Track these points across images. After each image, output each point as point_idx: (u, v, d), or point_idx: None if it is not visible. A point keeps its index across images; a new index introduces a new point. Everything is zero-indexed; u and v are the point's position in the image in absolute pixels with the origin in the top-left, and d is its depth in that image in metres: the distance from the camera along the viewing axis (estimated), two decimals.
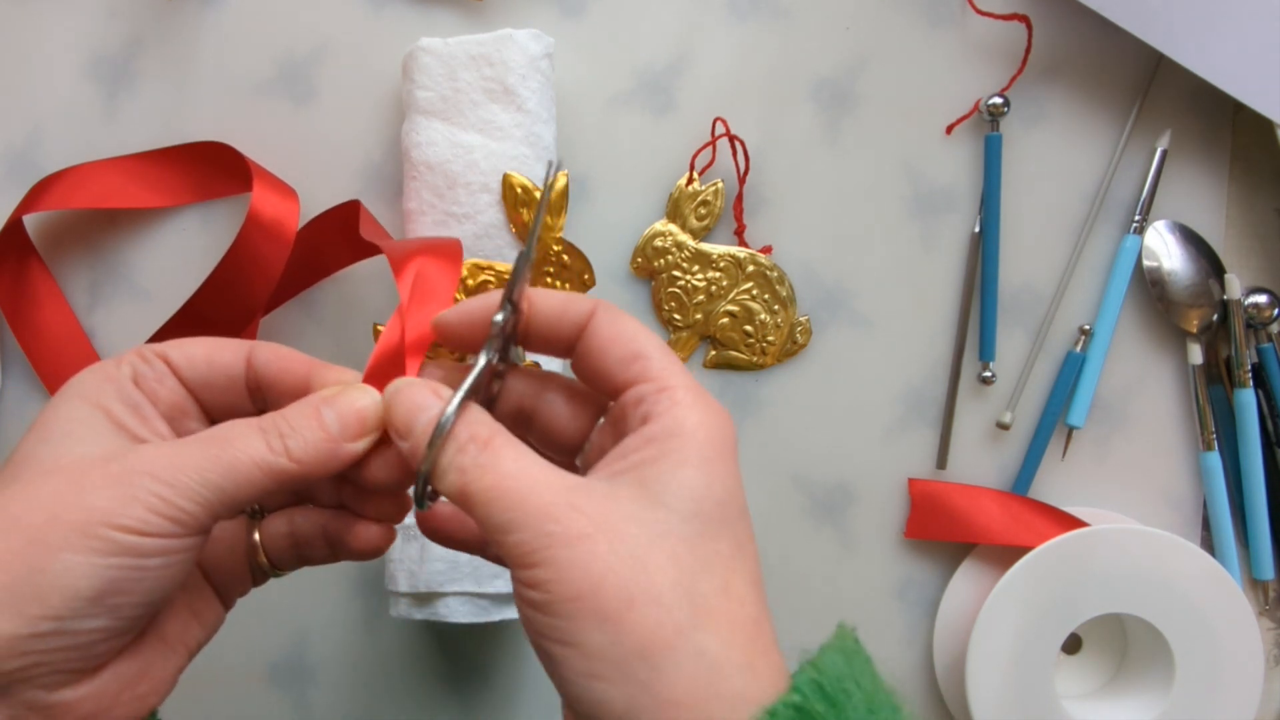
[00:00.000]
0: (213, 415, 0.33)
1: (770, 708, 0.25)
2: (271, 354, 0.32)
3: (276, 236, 0.48)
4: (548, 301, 0.31)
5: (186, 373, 0.32)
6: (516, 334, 0.32)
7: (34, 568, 0.26)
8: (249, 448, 0.29)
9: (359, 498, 0.34)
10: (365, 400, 0.31)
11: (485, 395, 0.32)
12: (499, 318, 0.30)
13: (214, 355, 0.32)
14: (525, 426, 0.34)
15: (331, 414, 0.30)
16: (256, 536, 0.34)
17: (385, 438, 0.31)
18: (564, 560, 0.26)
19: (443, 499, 0.30)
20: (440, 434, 0.28)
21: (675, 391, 0.29)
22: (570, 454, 0.33)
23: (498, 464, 0.28)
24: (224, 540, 0.34)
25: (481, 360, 0.30)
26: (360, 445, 0.31)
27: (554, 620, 0.26)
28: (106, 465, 0.28)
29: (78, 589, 0.26)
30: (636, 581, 0.26)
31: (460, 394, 0.29)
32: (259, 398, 0.33)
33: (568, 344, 0.32)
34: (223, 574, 0.34)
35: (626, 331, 0.31)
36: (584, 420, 0.33)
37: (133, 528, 0.27)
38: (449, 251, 0.37)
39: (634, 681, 0.25)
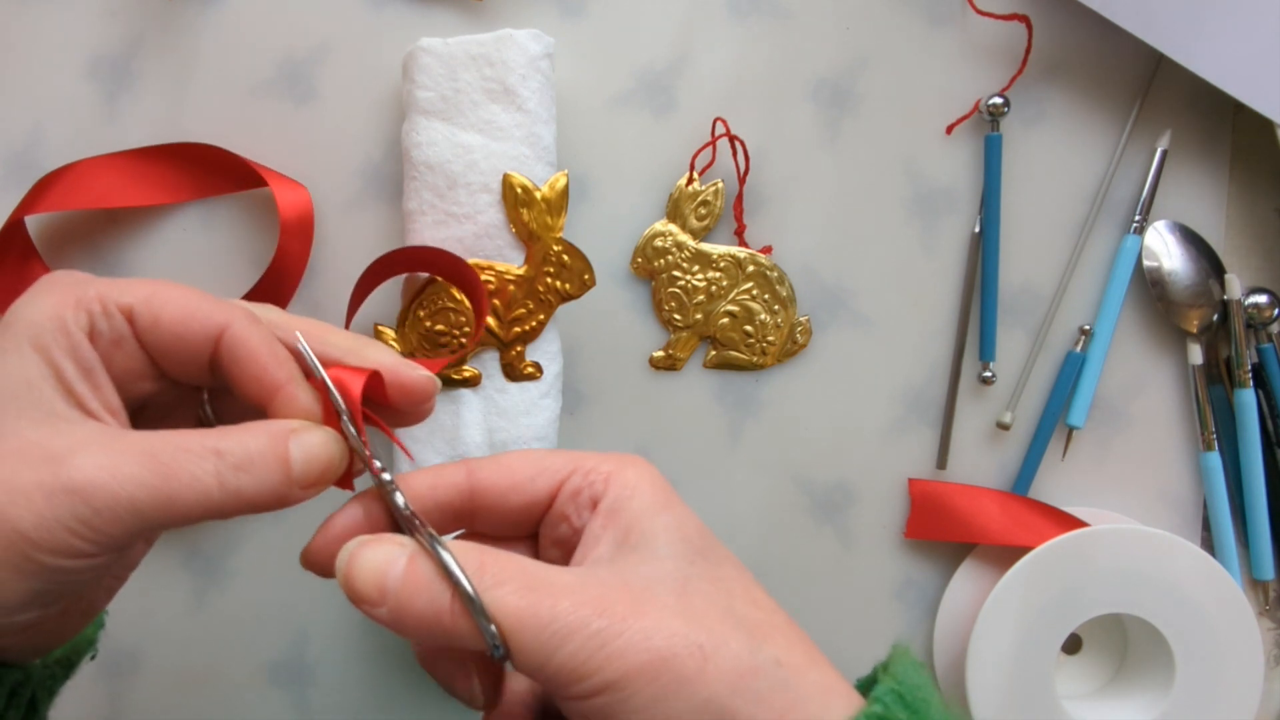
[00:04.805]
0: (169, 375, 0.31)
1: (855, 718, 0.26)
2: (244, 350, 0.29)
3: (301, 234, 0.50)
4: (418, 484, 0.30)
5: (148, 337, 0.29)
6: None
7: None
8: (195, 483, 0.27)
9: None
10: (334, 449, 0.29)
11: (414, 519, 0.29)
12: (399, 500, 0.29)
13: (183, 328, 0.29)
14: (469, 518, 0.32)
15: (299, 458, 0.28)
16: (209, 410, 0.33)
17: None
18: (623, 651, 0.25)
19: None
20: (467, 598, 0.26)
21: (602, 465, 0.30)
22: (524, 534, 0.32)
23: (511, 589, 0.26)
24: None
25: (386, 475, 0.29)
26: (310, 494, 0.29)
27: (642, 711, 0.25)
28: (40, 470, 0.26)
29: (4, 600, 0.26)
30: (694, 632, 0.26)
31: (444, 551, 0.27)
32: (220, 376, 0.30)
33: (460, 511, 0.31)
34: None
35: (514, 459, 0.31)
36: (523, 506, 0.31)
37: (55, 550, 0.26)
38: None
39: (742, 716, 0.26)
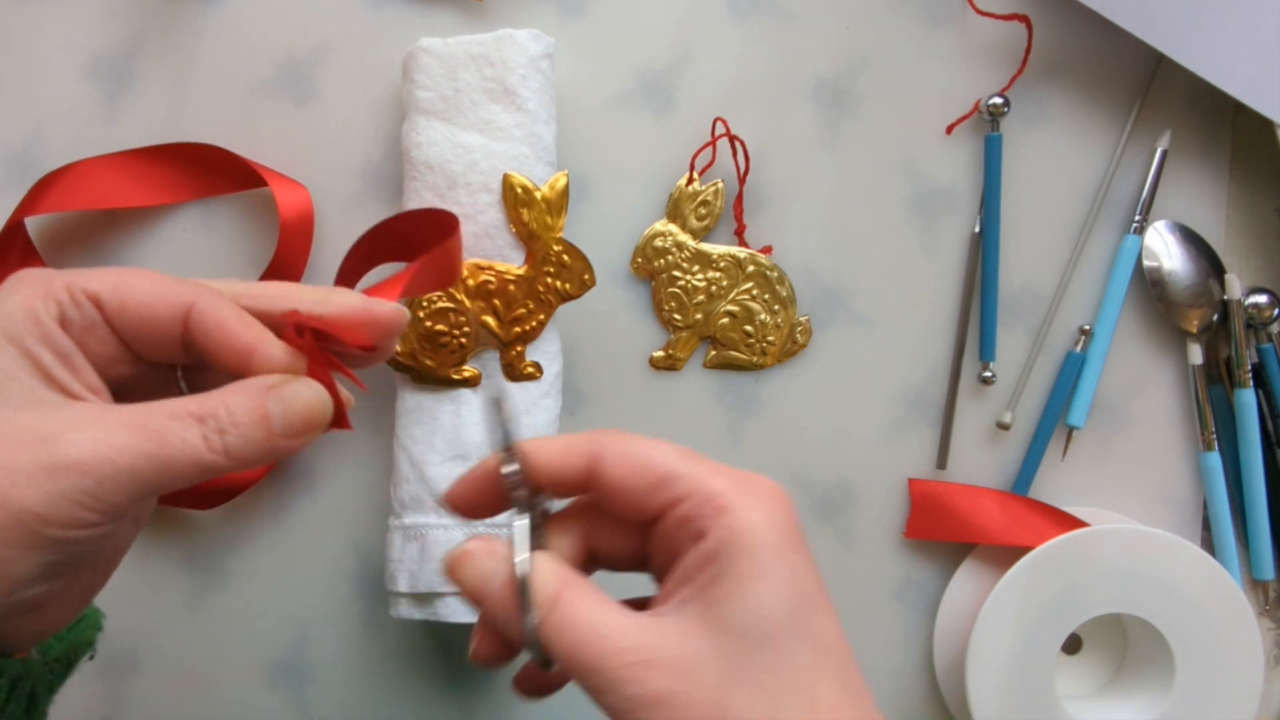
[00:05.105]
0: (143, 357, 0.32)
1: None
2: (213, 321, 0.30)
3: (300, 234, 0.49)
4: (546, 452, 0.30)
5: (118, 322, 0.30)
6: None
7: None
8: (186, 446, 0.28)
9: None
10: (313, 399, 0.30)
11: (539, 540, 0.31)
12: (507, 470, 0.30)
13: (150, 309, 0.30)
14: (590, 560, 0.33)
15: (279, 412, 0.29)
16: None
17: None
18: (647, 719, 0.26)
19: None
20: (526, 604, 0.28)
21: (718, 498, 0.28)
22: (638, 566, 0.32)
23: (573, 623, 0.27)
24: None
25: (520, 522, 0.30)
26: (299, 443, 0.30)
27: None
28: (36, 450, 0.27)
29: (15, 575, 0.27)
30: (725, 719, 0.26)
31: (521, 557, 0.29)
32: (193, 352, 0.31)
33: (578, 488, 0.31)
34: None
35: (642, 458, 0.29)
36: (639, 535, 0.32)
37: (64, 523, 0.27)
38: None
39: None
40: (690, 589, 0.28)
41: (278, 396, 0.29)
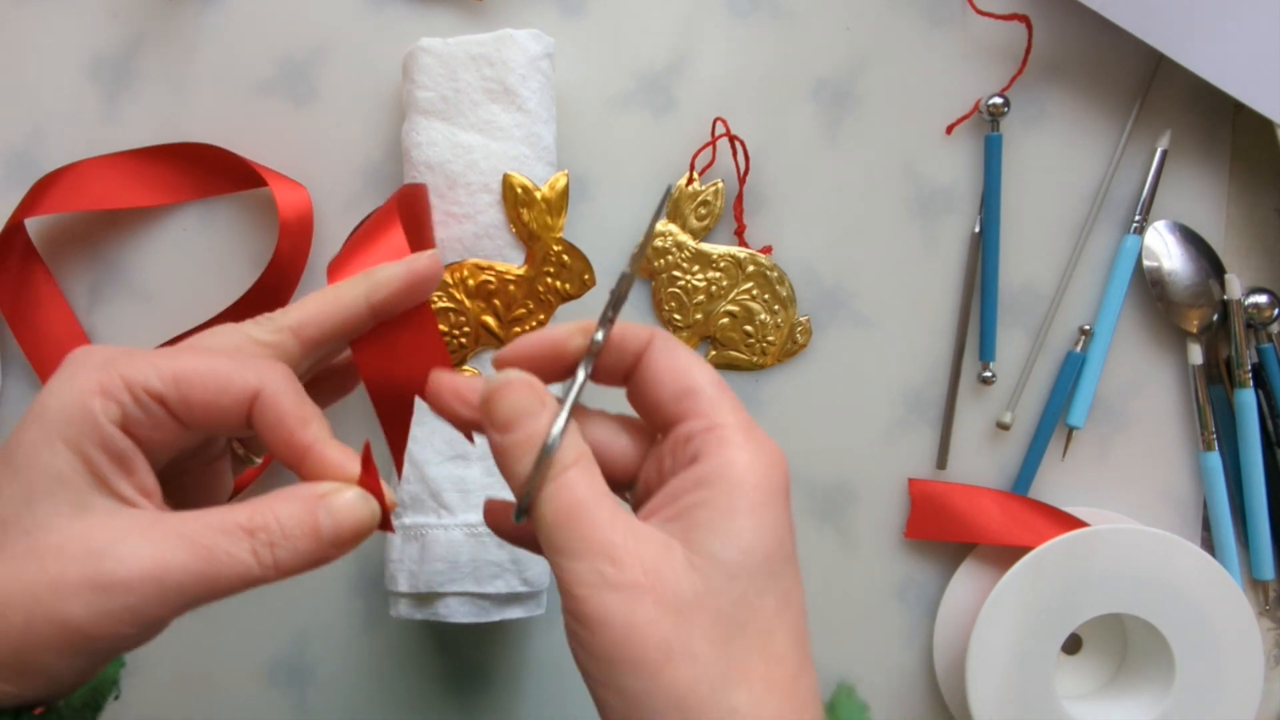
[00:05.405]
0: (207, 435, 0.32)
1: None
2: (273, 415, 0.30)
3: (300, 234, 0.50)
4: (619, 328, 0.32)
5: (182, 415, 0.30)
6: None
7: (17, 653, 0.27)
8: (235, 562, 0.28)
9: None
10: (364, 509, 0.30)
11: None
12: (599, 336, 0.31)
13: (214, 404, 0.30)
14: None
15: (329, 525, 0.29)
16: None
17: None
18: (611, 604, 0.27)
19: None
20: (546, 456, 0.28)
21: (724, 430, 0.29)
22: (622, 489, 0.33)
23: (574, 490, 0.28)
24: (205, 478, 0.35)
25: (580, 376, 0.30)
26: (345, 551, 0.30)
27: (596, 661, 0.27)
28: (85, 565, 0.27)
29: (53, 678, 0.28)
30: (677, 636, 0.26)
31: (564, 416, 0.29)
32: (250, 431, 0.31)
33: (624, 373, 0.32)
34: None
35: (680, 364, 0.31)
36: (638, 454, 0.33)
37: (107, 637, 0.27)
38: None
39: None
40: (674, 510, 0.29)
41: (328, 508, 0.29)
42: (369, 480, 0.30)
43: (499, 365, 0.32)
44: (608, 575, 0.27)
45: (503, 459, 0.30)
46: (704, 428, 0.29)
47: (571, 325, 0.32)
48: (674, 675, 0.26)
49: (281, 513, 0.29)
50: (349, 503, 0.30)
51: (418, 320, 0.35)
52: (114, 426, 0.29)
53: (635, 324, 0.32)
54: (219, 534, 0.28)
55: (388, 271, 0.34)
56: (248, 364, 0.30)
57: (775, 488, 0.29)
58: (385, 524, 0.31)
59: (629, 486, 0.33)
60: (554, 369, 0.32)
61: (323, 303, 0.33)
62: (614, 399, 0.34)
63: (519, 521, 0.29)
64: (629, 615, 0.26)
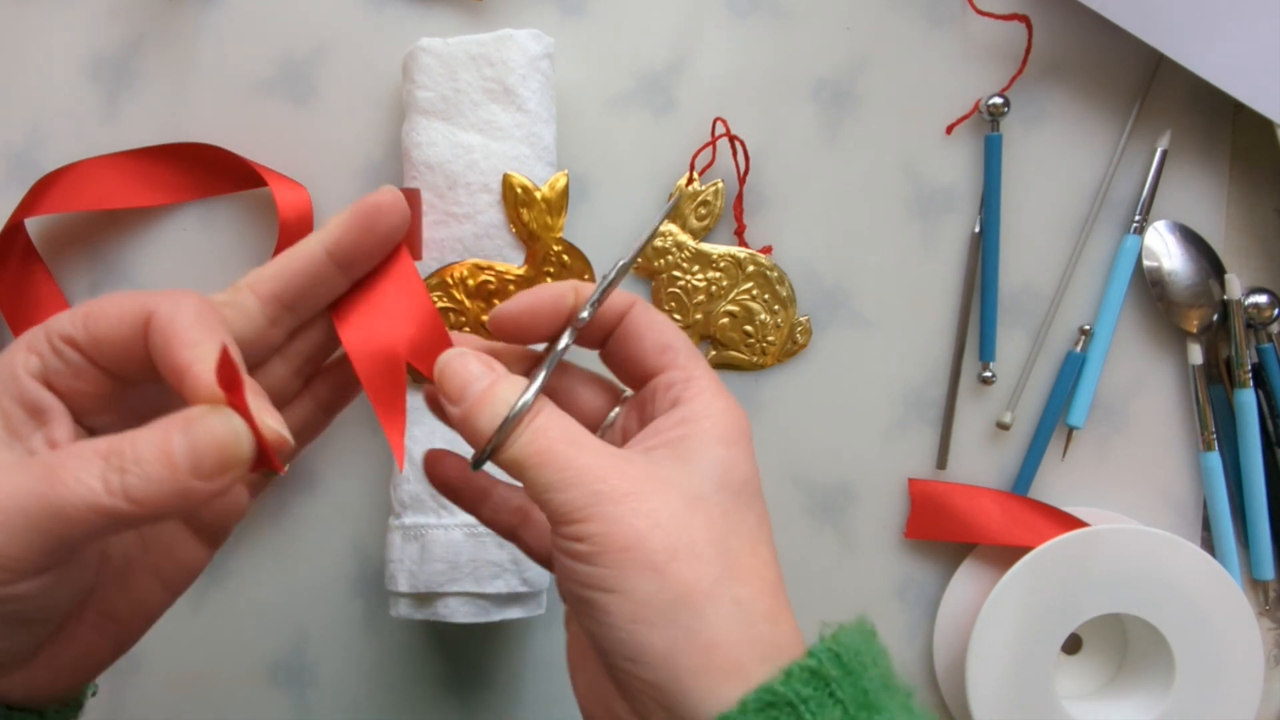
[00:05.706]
0: (132, 384, 0.30)
1: (788, 668, 0.27)
2: (161, 336, 0.28)
3: (300, 234, 0.49)
4: (587, 295, 0.33)
5: (97, 356, 0.29)
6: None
7: None
8: (81, 486, 0.25)
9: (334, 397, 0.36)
10: (225, 430, 0.26)
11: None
12: (585, 315, 0.32)
13: (115, 334, 0.28)
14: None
15: (183, 447, 0.25)
16: None
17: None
18: (612, 515, 0.28)
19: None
20: (515, 415, 0.29)
21: (701, 381, 0.32)
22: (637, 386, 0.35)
23: (548, 431, 0.29)
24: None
25: (564, 341, 0.32)
26: (216, 484, 0.26)
27: (602, 570, 0.27)
28: None
29: None
30: (679, 536, 0.28)
31: (540, 379, 0.30)
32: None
33: (604, 337, 0.34)
34: (210, 514, 0.33)
35: (659, 323, 0.33)
36: (599, 405, 0.36)
37: None
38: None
39: (676, 626, 0.27)
40: (659, 440, 0.31)
41: (186, 431, 0.25)
42: (235, 401, 0.26)
43: (493, 323, 0.33)
44: (603, 492, 0.28)
45: (464, 427, 0.30)
46: (684, 378, 0.32)
47: (565, 284, 0.33)
48: (680, 571, 0.27)
49: (140, 438, 0.26)
50: (207, 425, 0.25)
51: (395, 273, 0.32)
52: (32, 379, 0.28)
53: (620, 291, 0.34)
54: (71, 457, 0.25)
55: (339, 215, 0.32)
56: (151, 294, 0.29)
57: (744, 433, 0.32)
58: (266, 459, 0.26)
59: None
60: (548, 326, 0.33)
61: (280, 258, 0.32)
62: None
63: (476, 470, 0.31)
64: (632, 520, 0.28)
